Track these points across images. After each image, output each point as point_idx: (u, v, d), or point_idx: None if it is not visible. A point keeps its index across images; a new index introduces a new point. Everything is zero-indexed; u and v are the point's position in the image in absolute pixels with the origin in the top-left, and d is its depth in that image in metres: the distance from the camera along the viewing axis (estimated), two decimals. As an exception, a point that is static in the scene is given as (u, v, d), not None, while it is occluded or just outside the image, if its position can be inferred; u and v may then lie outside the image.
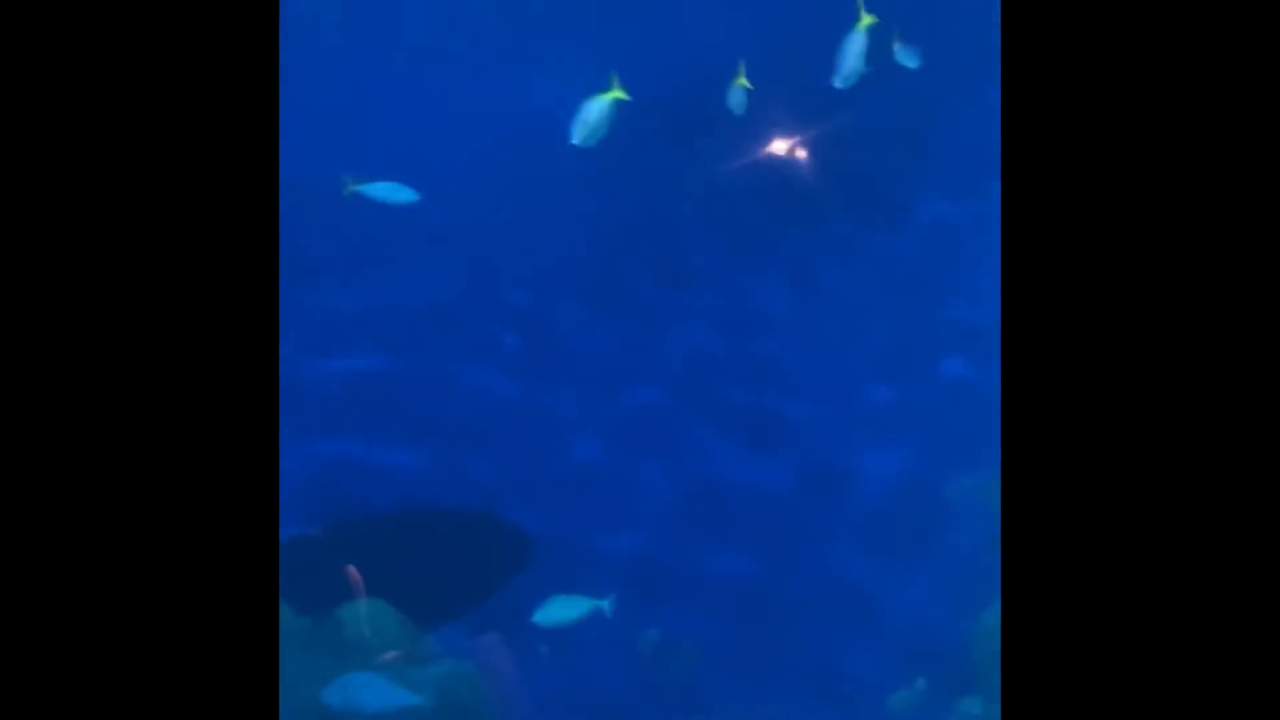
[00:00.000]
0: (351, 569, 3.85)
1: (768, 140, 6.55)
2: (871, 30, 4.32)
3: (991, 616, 4.67)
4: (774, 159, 6.58)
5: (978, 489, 4.89)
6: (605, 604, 4.70)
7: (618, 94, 4.11)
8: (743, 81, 4.87)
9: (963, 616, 5.00)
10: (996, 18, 1.82)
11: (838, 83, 4.25)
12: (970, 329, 6.47)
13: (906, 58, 4.74)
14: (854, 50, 4.22)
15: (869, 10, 4.28)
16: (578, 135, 4.17)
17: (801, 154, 6.41)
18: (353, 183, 4.56)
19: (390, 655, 4.62)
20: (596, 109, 4.12)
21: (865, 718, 5.73)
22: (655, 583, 6.19)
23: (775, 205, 6.97)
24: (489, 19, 6.56)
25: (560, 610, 4.74)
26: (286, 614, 3.97)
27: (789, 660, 6.29)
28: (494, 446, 6.55)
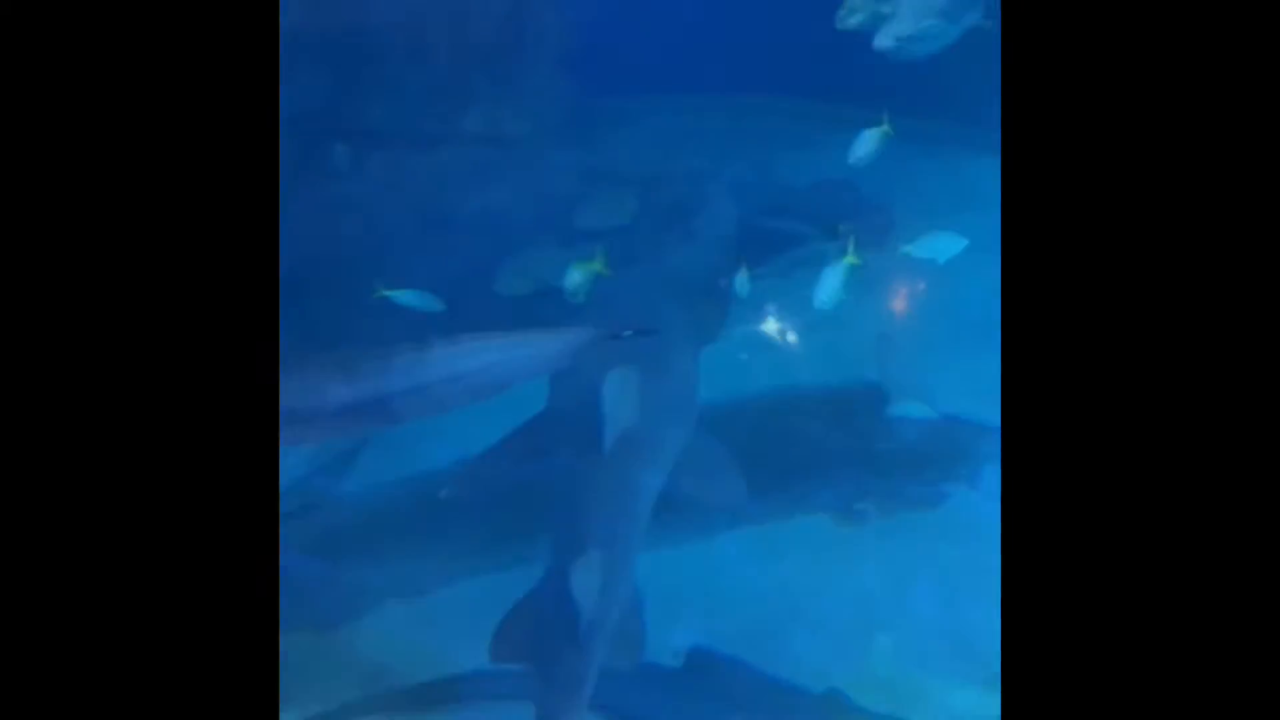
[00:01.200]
0: None
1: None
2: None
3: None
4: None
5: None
6: None
7: (599, 267, 4.55)
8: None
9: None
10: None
11: (815, 303, 4.64)
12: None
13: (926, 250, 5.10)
14: (833, 282, 4.65)
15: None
16: (567, 288, 4.61)
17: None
18: (383, 288, 4.79)
19: None
20: (580, 272, 4.58)
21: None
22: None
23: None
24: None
25: None
26: None
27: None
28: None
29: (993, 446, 4.64)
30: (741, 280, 5.24)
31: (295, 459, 4.67)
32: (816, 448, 4.71)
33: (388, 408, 2.76)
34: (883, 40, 5.37)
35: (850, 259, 4.73)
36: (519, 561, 3.85)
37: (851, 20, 5.45)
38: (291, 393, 1.97)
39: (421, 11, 6.41)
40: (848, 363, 5.35)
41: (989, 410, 4.74)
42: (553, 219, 6.01)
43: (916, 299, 6.34)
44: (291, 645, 3.79)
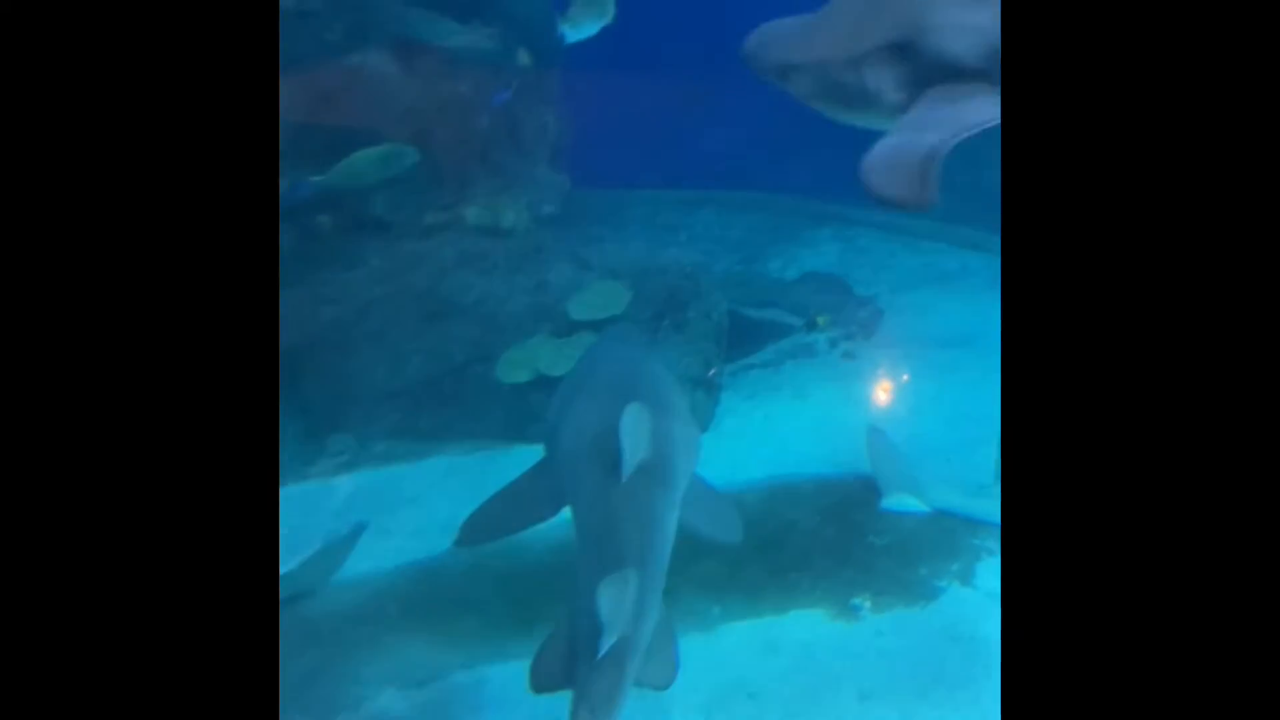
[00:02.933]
0: None
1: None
2: None
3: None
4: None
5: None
6: None
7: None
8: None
9: None
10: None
11: None
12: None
13: None
14: None
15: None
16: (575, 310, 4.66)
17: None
18: None
19: None
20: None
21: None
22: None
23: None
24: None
25: None
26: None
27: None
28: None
29: (984, 542, 4.68)
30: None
31: (292, 546, 4.65)
32: (810, 541, 4.73)
33: None
34: None
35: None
36: (517, 655, 3.84)
37: None
38: None
39: (422, 104, 6.61)
40: (839, 455, 5.40)
41: (980, 505, 4.81)
42: (548, 309, 6.10)
43: (906, 391, 6.44)
44: (288, 737, 3.75)
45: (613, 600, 2.58)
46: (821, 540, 4.73)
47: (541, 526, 4.30)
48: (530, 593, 4.30)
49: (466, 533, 3.32)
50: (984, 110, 2.42)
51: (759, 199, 9.79)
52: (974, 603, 4.30)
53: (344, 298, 5.97)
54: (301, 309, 5.76)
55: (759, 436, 5.82)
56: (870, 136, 2.58)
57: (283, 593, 4.39)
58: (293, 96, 5.69)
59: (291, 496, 5.18)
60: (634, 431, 2.95)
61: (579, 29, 6.10)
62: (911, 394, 6.37)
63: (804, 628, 4.20)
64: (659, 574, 2.90)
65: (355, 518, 5.00)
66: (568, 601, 2.90)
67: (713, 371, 6.18)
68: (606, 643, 2.56)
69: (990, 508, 4.76)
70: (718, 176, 9.55)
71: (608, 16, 6.05)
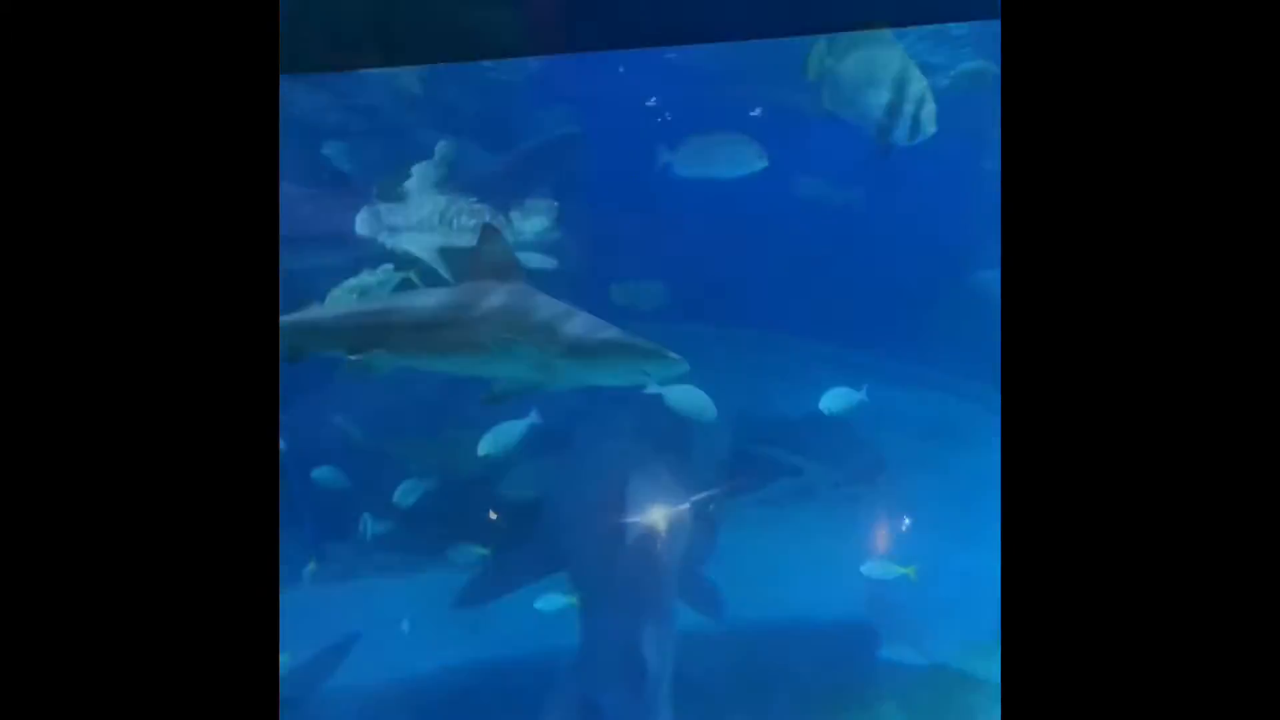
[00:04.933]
0: None
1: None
2: None
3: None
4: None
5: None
6: None
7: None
8: None
9: None
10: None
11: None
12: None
13: None
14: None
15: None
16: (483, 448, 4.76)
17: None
18: None
19: None
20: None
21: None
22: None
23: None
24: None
25: None
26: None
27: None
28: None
29: (980, 699, 4.59)
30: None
31: (283, 652, 4.57)
32: (804, 689, 4.64)
33: None
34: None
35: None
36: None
37: None
38: None
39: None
40: (838, 600, 5.34)
41: (976, 662, 4.74)
42: (553, 428, 6.15)
43: (907, 541, 6.42)
44: None
45: (653, 646, 2.72)
46: (816, 688, 4.64)
47: (528, 659, 4.33)
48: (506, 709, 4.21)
49: (464, 597, 3.59)
50: None
51: (765, 339, 9.93)
52: (971, 764, 4.20)
53: (350, 407, 6.02)
54: (307, 416, 5.80)
55: (756, 576, 5.76)
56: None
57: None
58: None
59: (284, 604, 5.11)
60: (638, 496, 3.11)
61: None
62: (913, 544, 6.34)
63: (796, 780, 4.10)
64: (672, 630, 3.08)
65: (347, 629, 4.94)
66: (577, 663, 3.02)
67: (713, 507, 6.17)
68: (650, 685, 2.74)
69: (990, 666, 4.68)
70: (724, 313, 9.73)
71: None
